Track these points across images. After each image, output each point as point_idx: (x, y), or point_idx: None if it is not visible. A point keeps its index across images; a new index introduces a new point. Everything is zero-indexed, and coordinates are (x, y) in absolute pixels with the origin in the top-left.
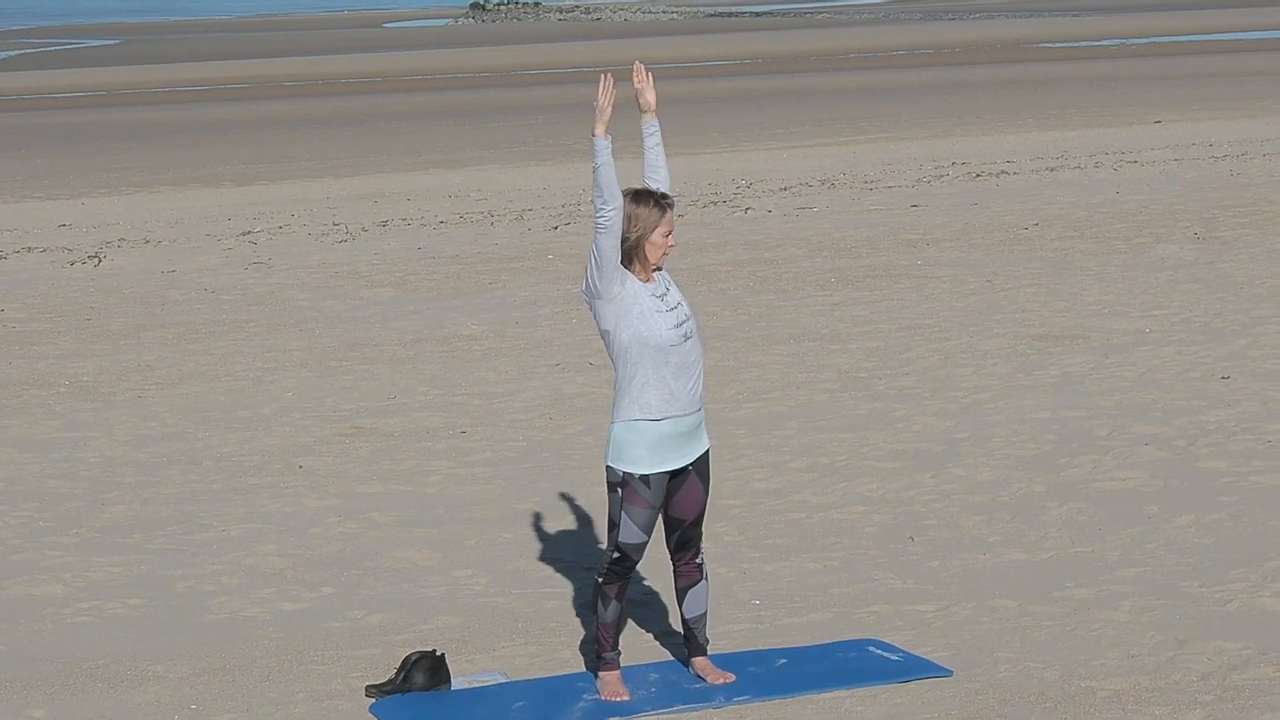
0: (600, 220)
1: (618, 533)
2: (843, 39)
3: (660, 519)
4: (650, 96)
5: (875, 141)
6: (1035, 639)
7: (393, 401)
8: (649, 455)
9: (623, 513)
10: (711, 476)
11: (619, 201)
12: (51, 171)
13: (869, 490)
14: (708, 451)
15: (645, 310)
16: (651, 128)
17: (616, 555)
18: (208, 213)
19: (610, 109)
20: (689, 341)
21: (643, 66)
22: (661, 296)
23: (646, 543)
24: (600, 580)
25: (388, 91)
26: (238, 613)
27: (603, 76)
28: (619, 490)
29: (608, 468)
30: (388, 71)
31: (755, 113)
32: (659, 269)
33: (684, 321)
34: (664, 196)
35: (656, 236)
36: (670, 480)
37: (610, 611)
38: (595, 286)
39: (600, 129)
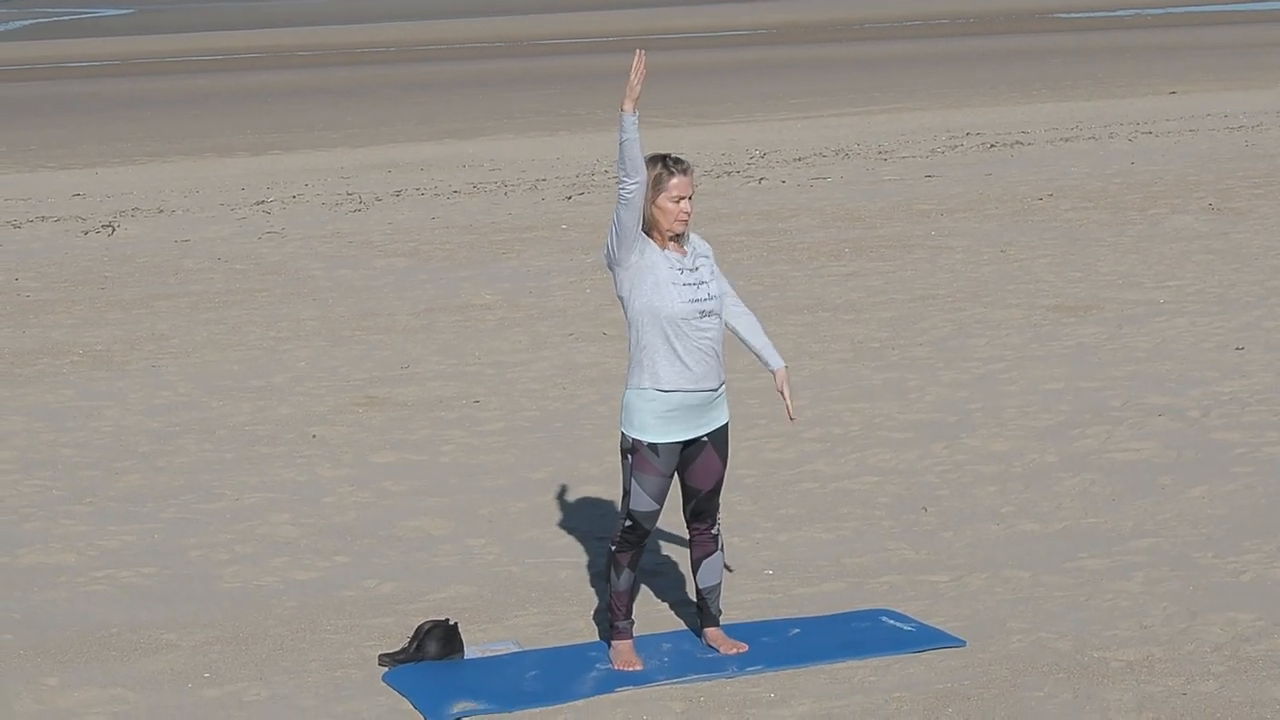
0: (622, 192)
1: (629, 500)
2: (857, 9)
3: (680, 487)
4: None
5: (889, 112)
6: (1048, 609)
7: (406, 371)
8: (657, 424)
9: (633, 479)
10: (730, 450)
11: (643, 175)
12: (65, 141)
13: (882, 461)
14: (726, 425)
15: (660, 280)
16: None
17: (628, 523)
18: (221, 182)
19: (640, 85)
20: (707, 319)
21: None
22: (685, 269)
23: (658, 511)
24: (613, 549)
25: (401, 61)
26: (251, 581)
27: (636, 53)
28: (629, 456)
29: (621, 433)
30: (402, 41)
31: (770, 83)
32: (679, 237)
33: (704, 299)
34: (678, 160)
35: (665, 201)
36: (685, 449)
37: (623, 580)
38: (614, 254)
39: (629, 104)
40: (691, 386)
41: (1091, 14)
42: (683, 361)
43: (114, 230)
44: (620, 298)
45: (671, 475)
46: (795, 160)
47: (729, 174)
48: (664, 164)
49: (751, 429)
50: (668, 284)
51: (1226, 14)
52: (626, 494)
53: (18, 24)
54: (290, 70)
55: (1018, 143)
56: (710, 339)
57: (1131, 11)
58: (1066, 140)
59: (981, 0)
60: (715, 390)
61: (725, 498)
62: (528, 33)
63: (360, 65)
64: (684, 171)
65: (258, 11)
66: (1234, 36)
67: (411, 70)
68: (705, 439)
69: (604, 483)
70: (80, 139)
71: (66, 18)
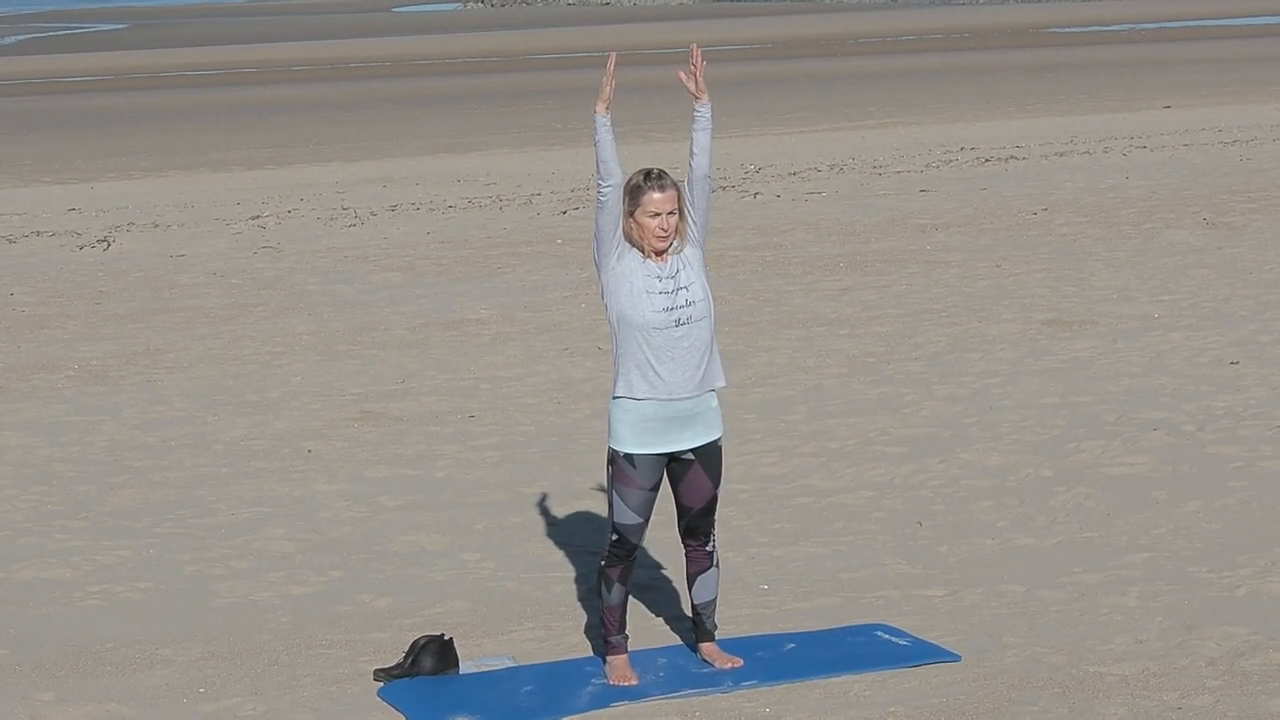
0: (598, 196)
1: (613, 513)
2: (852, 23)
3: (674, 503)
4: (690, 85)
5: (884, 126)
6: (1043, 624)
7: (401, 386)
8: (632, 435)
9: (614, 491)
10: (722, 469)
11: (616, 178)
12: (60, 155)
13: (877, 475)
14: (716, 443)
15: (635, 289)
16: (699, 110)
17: (615, 537)
18: (217, 197)
19: (610, 87)
20: (683, 328)
21: (698, 50)
22: (663, 278)
23: (642, 525)
24: (602, 563)
25: (397, 76)
26: (246, 596)
27: (609, 56)
28: (610, 468)
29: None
30: (397, 56)
31: (764, 97)
32: (663, 251)
33: (681, 307)
34: (660, 175)
35: (641, 216)
36: (670, 464)
37: (614, 595)
38: (595, 259)
39: (601, 106)
40: (665, 396)
41: (1085, 29)
42: (655, 371)
43: (109, 245)
44: (604, 304)
45: (655, 489)
46: (790, 175)
47: (723, 188)
48: (644, 177)
49: (746, 444)
50: (642, 292)
51: (1220, 29)
52: (611, 507)
53: (12, 39)
54: (285, 85)
55: (1012, 157)
56: (687, 348)
57: (1125, 26)
58: (1061, 155)
59: (976, 15)
60: (694, 399)
61: (720, 512)
62: (522, 47)
63: (355, 80)
64: (663, 188)
65: (252, 26)
66: (1228, 51)
67: (406, 85)
68: (692, 456)
69: (599, 497)
70: (75, 154)
71: (61, 32)
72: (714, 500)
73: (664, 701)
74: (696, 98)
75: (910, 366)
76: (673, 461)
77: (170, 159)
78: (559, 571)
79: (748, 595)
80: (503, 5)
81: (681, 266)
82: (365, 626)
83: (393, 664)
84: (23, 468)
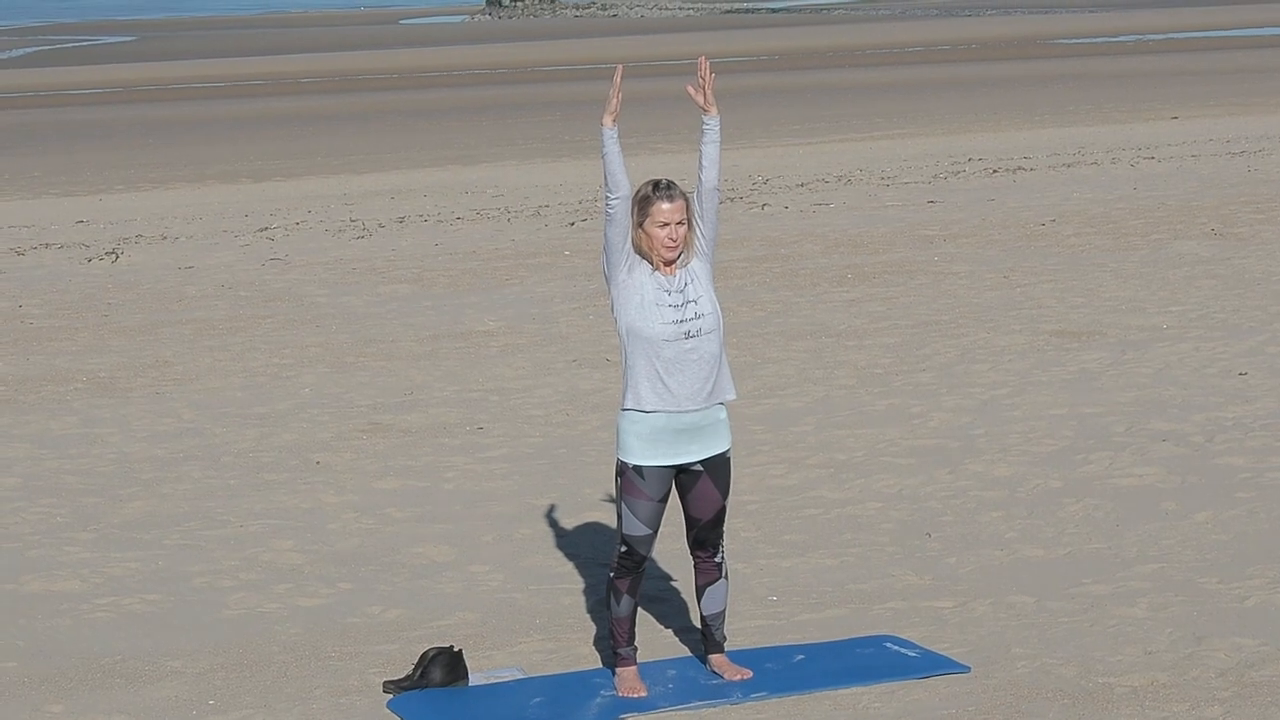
0: (605, 209)
1: (622, 524)
2: (859, 35)
3: (683, 514)
4: (699, 99)
5: (892, 138)
6: (1052, 635)
7: (410, 397)
8: (641, 446)
9: (623, 503)
10: (731, 480)
11: (624, 191)
12: (68, 168)
13: (886, 486)
14: (725, 455)
15: (645, 301)
16: (707, 123)
17: (624, 549)
18: (225, 209)
19: (617, 99)
20: (692, 340)
21: (706, 63)
22: (672, 291)
23: (651, 536)
24: (611, 575)
25: (404, 88)
26: (255, 608)
27: (616, 68)
28: (619, 479)
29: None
30: (404, 68)
31: (772, 109)
32: (672, 262)
33: (690, 320)
34: (668, 185)
35: (650, 226)
36: (679, 476)
37: (623, 607)
38: (605, 272)
39: (608, 119)
40: (674, 408)
41: (1093, 40)
42: (664, 383)
43: (118, 257)
44: (614, 317)
45: (664, 500)
46: (798, 186)
47: (732, 200)
48: (653, 188)
49: (755, 455)
50: (652, 305)
51: (1228, 40)
52: (620, 518)
53: (20, 51)
54: (293, 97)
55: (1020, 168)
56: (696, 360)
57: (1133, 37)
58: (1069, 166)
59: (983, 27)
60: (702, 410)
61: (729, 524)
62: (529, 59)
63: (363, 92)
64: (671, 198)
65: (260, 39)
66: (1236, 62)
67: (414, 97)
68: (701, 468)
69: (607, 509)
70: (84, 166)
71: (69, 45)
72: (723, 512)
73: (673, 713)
74: (705, 111)
75: (918, 378)
76: (681, 473)
77: (178, 171)
78: (568, 583)
79: (757, 606)
80: (509, 18)
81: (690, 280)
82: (374, 638)
83: (402, 676)
84: (32, 480)
